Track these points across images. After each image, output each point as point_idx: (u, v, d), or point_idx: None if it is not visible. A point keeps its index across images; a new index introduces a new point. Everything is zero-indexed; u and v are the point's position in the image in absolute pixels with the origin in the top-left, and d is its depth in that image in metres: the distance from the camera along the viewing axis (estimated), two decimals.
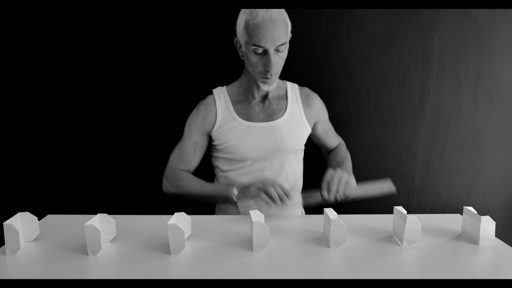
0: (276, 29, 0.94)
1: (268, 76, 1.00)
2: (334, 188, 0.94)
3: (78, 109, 1.27)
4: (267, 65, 0.98)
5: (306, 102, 1.14)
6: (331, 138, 1.23)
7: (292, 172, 1.12)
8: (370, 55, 1.25)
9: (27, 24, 1.21)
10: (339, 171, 0.96)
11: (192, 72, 1.26)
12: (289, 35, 1.01)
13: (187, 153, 1.12)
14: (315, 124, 1.17)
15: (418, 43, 1.24)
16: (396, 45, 1.25)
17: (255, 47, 0.96)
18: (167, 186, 1.10)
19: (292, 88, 1.15)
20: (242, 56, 1.04)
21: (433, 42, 1.24)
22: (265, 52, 0.97)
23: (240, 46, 1.02)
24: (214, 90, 1.13)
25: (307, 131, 1.14)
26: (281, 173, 1.10)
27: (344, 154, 1.19)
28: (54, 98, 1.26)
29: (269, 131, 1.08)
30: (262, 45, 0.95)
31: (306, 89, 1.17)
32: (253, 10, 0.96)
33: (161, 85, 1.26)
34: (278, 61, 1.00)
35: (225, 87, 1.14)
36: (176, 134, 1.27)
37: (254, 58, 0.99)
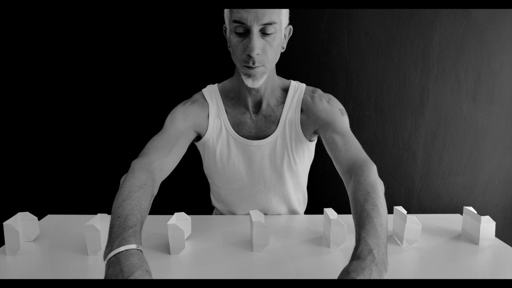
0: None
1: (251, 64, 0.81)
2: None
3: (77, 109, 1.27)
4: (248, 48, 0.79)
5: (304, 109, 0.94)
6: (346, 153, 0.85)
7: (292, 189, 1.02)
8: (370, 55, 1.25)
9: (27, 24, 1.21)
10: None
11: (191, 72, 1.26)
12: (287, 26, 0.87)
13: (163, 143, 0.86)
14: (318, 131, 0.94)
15: (418, 43, 1.24)
16: (396, 45, 1.25)
17: (236, 24, 0.79)
18: (122, 180, 0.75)
19: (296, 91, 0.96)
20: (229, 46, 0.87)
21: (433, 42, 1.24)
22: (248, 33, 0.80)
23: (225, 29, 0.88)
24: (205, 91, 0.98)
25: (305, 145, 0.97)
26: (276, 193, 1.00)
27: (370, 200, 0.67)
28: (53, 98, 1.26)
29: (259, 150, 0.95)
30: (244, 21, 0.78)
31: (316, 94, 0.96)
32: None
33: (161, 85, 1.26)
34: (265, 47, 0.81)
35: (216, 86, 0.99)
36: None
37: (235, 40, 0.82)
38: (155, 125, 1.29)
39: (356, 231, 0.63)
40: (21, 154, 1.30)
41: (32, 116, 1.28)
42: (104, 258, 0.56)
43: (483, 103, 1.29)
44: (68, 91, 1.26)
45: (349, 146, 0.86)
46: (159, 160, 0.82)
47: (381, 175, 1.33)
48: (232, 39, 0.83)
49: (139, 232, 0.60)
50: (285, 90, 0.97)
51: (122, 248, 0.54)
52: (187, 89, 1.26)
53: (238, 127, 0.96)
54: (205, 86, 1.01)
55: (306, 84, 0.99)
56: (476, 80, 1.27)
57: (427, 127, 1.31)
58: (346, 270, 0.54)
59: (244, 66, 0.84)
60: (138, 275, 0.51)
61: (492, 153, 1.33)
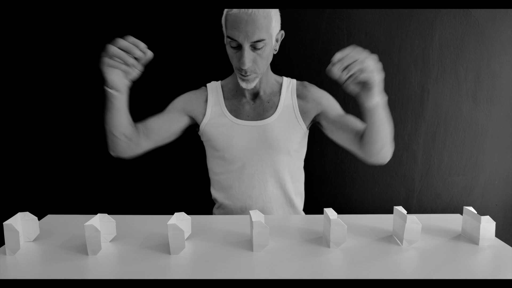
0: (252, 24, 0.85)
1: (243, 74, 0.94)
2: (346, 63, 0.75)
3: (78, 109, 1.27)
4: (240, 61, 0.91)
5: (301, 96, 1.05)
6: (354, 121, 1.00)
7: (287, 174, 1.07)
8: None
9: (27, 24, 1.21)
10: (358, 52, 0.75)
11: (190, 72, 1.26)
12: (278, 32, 0.95)
13: (154, 118, 1.03)
14: (319, 116, 1.05)
15: (418, 43, 1.24)
16: (396, 45, 1.25)
17: (229, 39, 0.90)
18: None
19: (289, 84, 1.07)
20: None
21: (433, 42, 1.24)
22: (240, 47, 0.90)
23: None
24: (208, 84, 1.09)
25: (301, 130, 1.05)
26: (273, 176, 1.05)
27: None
28: (54, 98, 1.26)
29: (258, 130, 1.03)
30: (235, 38, 0.88)
31: (305, 83, 1.09)
32: None
33: (161, 85, 1.26)
34: (255, 58, 0.91)
35: (219, 82, 1.10)
36: None
37: (229, 52, 0.93)
38: None
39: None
40: (21, 154, 1.30)
41: (32, 116, 1.28)
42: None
43: (483, 103, 1.29)
44: (68, 91, 1.26)
45: (350, 117, 1.02)
46: (144, 123, 1.03)
47: (381, 175, 1.35)
48: (228, 49, 0.94)
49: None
50: (278, 82, 1.08)
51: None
52: (187, 89, 1.26)
53: (235, 112, 1.04)
54: (204, 86, 1.09)
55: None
56: (476, 80, 1.27)
57: (427, 127, 1.31)
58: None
59: (239, 73, 0.95)
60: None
61: (492, 153, 1.33)
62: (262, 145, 1.03)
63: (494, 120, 1.30)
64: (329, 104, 1.05)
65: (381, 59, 1.26)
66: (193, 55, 1.25)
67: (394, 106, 1.29)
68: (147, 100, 1.27)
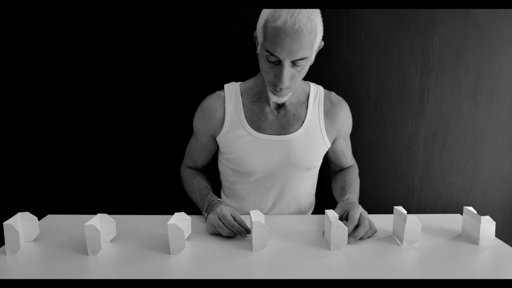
0: (298, 41, 0.77)
1: (278, 90, 0.87)
2: (361, 232, 0.82)
3: (78, 109, 1.27)
4: (277, 77, 0.84)
5: (329, 113, 1.00)
6: (346, 158, 1.11)
7: (303, 190, 1.05)
8: (370, 55, 1.25)
9: (28, 24, 1.21)
10: (363, 214, 0.84)
11: (191, 72, 1.25)
12: (320, 45, 0.87)
13: (194, 151, 1.08)
14: (334, 139, 1.05)
15: (418, 43, 1.24)
16: (396, 45, 1.25)
17: (267, 53, 0.81)
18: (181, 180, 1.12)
19: (316, 94, 1.00)
20: (258, 54, 0.89)
21: (433, 42, 1.24)
22: (279, 62, 0.82)
23: (257, 41, 0.88)
24: (226, 86, 1.01)
25: (326, 147, 1.01)
26: (289, 192, 1.02)
27: (356, 178, 1.07)
28: (54, 98, 1.26)
29: (280, 146, 0.96)
30: (276, 54, 0.80)
31: (333, 95, 1.03)
32: (276, 9, 0.78)
33: (161, 85, 1.26)
34: (294, 75, 0.84)
35: (238, 84, 1.01)
36: (175, 135, 1.27)
37: (265, 65, 0.85)
38: (154, 126, 1.29)
39: (340, 184, 1.05)
40: (21, 154, 1.30)
41: (32, 116, 1.27)
42: (205, 213, 0.93)
43: (483, 103, 1.29)
44: (68, 91, 1.26)
45: (347, 153, 1.11)
46: (195, 161, 1.10)
47: (381, 175, 1.35)
48: (263, 63, 0.85)
49: (212, 193, 0.97)
50: (305, 90, 1.01)
51: (211, 203, 0.91)
52: (191, 92, 1.26)
53: (257, 123, 0.97)
54: (209, 88, 1.08)
55: None
56: (476, 80, 1.27)
57: (427, 127, 1.31)
58: (344, 200, 0.92)
59: (271, 87, 0.88)
60: (221, 207, 0.86)
61: (492, 153, 1.33)
62: (282, 161, 0.98)
63: (494, 120, 1.30)
64: (343, 132, 1.05)
65: (381, 59, 1.27)
66: (195, 57, 1.24)
67: (394, 106, 1.29)
68: (144, 102, 1.27)
